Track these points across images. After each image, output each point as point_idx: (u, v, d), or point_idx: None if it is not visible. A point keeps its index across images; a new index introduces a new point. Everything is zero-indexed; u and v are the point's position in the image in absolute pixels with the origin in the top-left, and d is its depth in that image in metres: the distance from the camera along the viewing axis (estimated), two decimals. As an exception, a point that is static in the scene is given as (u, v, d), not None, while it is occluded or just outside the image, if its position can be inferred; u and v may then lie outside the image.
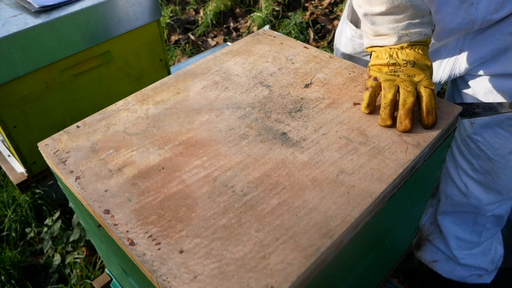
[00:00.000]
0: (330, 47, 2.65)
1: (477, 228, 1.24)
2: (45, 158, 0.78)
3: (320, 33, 2.78)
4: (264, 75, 0.91)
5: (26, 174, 1.49)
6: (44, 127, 1.39)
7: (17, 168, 1.54)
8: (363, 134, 0.75)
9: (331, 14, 2.94)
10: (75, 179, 0.71)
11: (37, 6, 1.27)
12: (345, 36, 1.14)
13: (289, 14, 2.90)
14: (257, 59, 0.96)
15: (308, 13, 2.93)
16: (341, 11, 2.92)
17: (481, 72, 0.95)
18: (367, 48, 0.86)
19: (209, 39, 2.88)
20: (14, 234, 1.70)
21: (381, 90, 0.78)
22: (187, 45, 2.84)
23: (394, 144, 0.73)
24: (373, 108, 0.79)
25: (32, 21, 1.24)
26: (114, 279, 1.16)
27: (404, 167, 0.69)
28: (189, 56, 2.71)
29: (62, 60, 1.33)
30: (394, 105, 0.76)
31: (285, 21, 2.84)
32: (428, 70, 0.79)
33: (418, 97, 0.76)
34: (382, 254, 0.92)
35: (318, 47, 2.67)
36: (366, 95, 0.79)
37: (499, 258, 1.34)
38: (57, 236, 1.64)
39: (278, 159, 0.71)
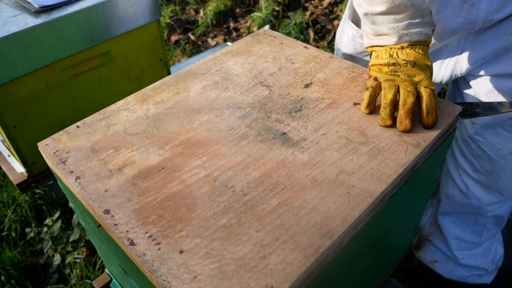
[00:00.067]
0: (330, 47, 2.65)
1: (477, 229, 1.24)
2: (45, 158, 0.78)
3: (320, 33, 2.78)
4: (264, 75, 0.91)
5: (26, 174, 1.49)
6: (44, 127, 1.39)
7: (17, 168, 1.54)
8: (363, 134, 0.75)
9: (331, 14, 2.94)
10: (75, 179, 0.71)
11: (37, 6, 1.27)
12: (346, 36, 1.14)
13: (289, 14, 2.90)
14: (257, 59, 0.96)
15: (308, 13, 2.93)
16: (341, 11, 2.92)
17: (482, 72, 0.95)
18: (367, 48, 0.86)
19: (209, 39, 2.88)
20: (14, 234, 1.70)
21: (381, 90, 0.78)
22: (187, 45, 2.84)
23: (394, 144, 0.73)
24: (373, 108, 0.79)
25: (32, 21, 1.24)
26: (114, 279, 1.16)
27: (404, 167, 0.69)
28: (189, 56, 2.71)
29: (62, 60, 1.33)
30: (394, 105, 0.76)
31: (285, 21, 2.84)
32: (428, 70, 0.79)
33: (418, 97, 0.76)
34: (382, 254, 0.92)
35: (318, 47, 2.67)
36: (366, 95, 0.79)
37: (499, 258, 1.34)
38: (57, 236, 1.64)
39: (278, 159, 0.71)
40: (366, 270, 0.84)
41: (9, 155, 1.60)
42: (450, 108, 0.80)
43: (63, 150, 0.76)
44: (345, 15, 1.15)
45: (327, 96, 0.85)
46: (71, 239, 1.60)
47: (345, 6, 2.92)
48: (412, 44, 0.79)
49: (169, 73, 1.67)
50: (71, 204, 0.96)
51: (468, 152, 1.08)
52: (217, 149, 0.74)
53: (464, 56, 0.95)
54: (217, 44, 2.83)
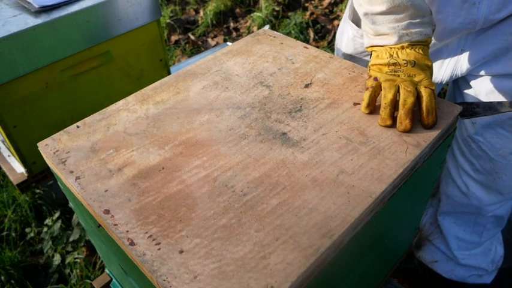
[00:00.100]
0: (330, 47, 2.65)
1: (478, 229, 1.24)
2: (45, 158, 0.78)
3: (320, 33, 2.78)
4: (264, 75, 0.91)
5: (26, 174, 1.49)
6: (44, 127, 1.39)
7: (17, 168, 1.54)
8: (363, 134, 0.75)
9: (331, 14, 2.94)
10: (75, 179, 0.71)
11: (37, 6, 1.27)
12: (346, 36, 1.14)
13: (289, 14, 2.90)
14: (257, 59, 0.96)
15: (308, 13, 2.92)
16: (341, 11, 2.92)
17: (482, 72, 0.95)
18: (367, 47, 0.86)
19: (209, 39, 2.88)
20: (14, 234, 1.70)
21: (381, 90, 0.78)
22: (187, 45, 2.84)
23: (394, 144, 0.73)
24: (373, 108, 0.79)
25: (32, 21, 1.24)
26: (114, 279, 1.16)
27: (404, 167, 0.69)
28: (189, 56, 2.71)
29: (62, 60, 1.33)
30: (394, 105, 0.76)
31: (285, 21, 2.84)
32: (428, 70, 0.79)
33: (418, 97, 0.76)
34: (382, 254, 0.92)
35: (318, 47, 2.67)
36: (366, 95, 0.79)
37: (499, 258, 1.34)
38: (57, 236, 1.64)
39: (278, 159, 0.71)
40: (366, 270, 0.84)
41: (9, 155, 1.60)
42: (450, 108, 0.80)
43: (63, 150, 0.76)
44: (345, 15, 1.15)
45: (327, 96, 0.85)
46: (71, 239, 1.60)
47: (345, 6, 2.92)
48: (412, 44, 0.79)
49: (169, 73, 1.67)
50: (71, 204, 0.96)
51: (468, 152, 1.08)
52: (217, 149, 0.74)
53: (465, 56, 0.95)
54: (217, 44, 2.83)
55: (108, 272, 1.19)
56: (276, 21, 2.88)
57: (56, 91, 1.37)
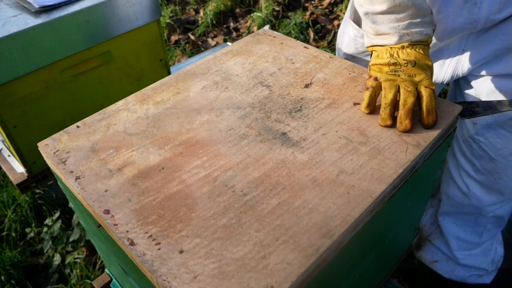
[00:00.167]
0: (330, 47, 2.65)
1: (478, 229, 1.24)
2: (45, 158, 0.78)
3: (320, 33, 2.78)
4: (264, 75, 0.91)
5: (26, 174, 1.49)
6: (44, 127, 1.39)
7: (17, 168, 1.54)
8: (363, 134, 0.75)
9: (331, 14, 2.94)
10: (75, 179, 0.71)
11: (37, 6, 1.27)
12: (347, 36, 1.14)
13: (289, 14, 2.90)
14: (257, 59, 0.96)
15: (308, 13, 2.92)
16: (341, 11, 2.92)
17: (483, 72, 0.95)
18: (367, 47, 0.86)
19: (209, 39, 2.88)
20: (14, 234, 1.70)
21: (381, 90, 0.78)
22: (187, 45, 2.84)
23: (394, 144, 0.73)
24: (373, 108, 0.79)
25: (32, 21, 1.24)
26: (114, 279, 1.16)
27: (404, 167, 0.69)
28: (189, 56, 2.71)
29: (62, 60, 1.33)
30: (395, 105, 0.76)
31: (285, 21, 2.84)
32: (429, 70, 0.79)
33: (418, 97, 0.76)
34: (382, 254, 0.92)
35: (318, 47, 2.67)
36: (366, 95, 0.79)
37: (499, 258, 1.34)
38: (57, 236, 1.64)
39: (278, 159, 0.71)
40: (366, 270, 0.84)
41: (9, 155, 1.60)
42: (450, 108, 0.80)
43: (63, 150, 0.76)
44: (347, 15, 1.15)
45: (327, 96, 0.85)
46: (71, 239, 1.60)
47: (345, 7, 2.92)
48: (413, 44, 0.79)
49: (169, 73, 1.67)
50: (71, 204, 0.96)
51: (469, 152, 1.08)
52: (217, 149, 0.74)
53: (466, 56, 0.95)
54: (217, 44, 2.83)
55: (108, 272, 1.19)
56: (276, 21, 2.88)
57: (56, 91, 1.37)
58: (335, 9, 2.98)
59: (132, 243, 0.60)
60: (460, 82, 1.06)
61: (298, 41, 1.02)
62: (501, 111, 0.84)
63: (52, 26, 1.26)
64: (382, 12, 0.79)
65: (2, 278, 1.53)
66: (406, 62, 0.78)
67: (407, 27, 0.79)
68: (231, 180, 0.68)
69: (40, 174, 1.51)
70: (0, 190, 1.84)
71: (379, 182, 0.66)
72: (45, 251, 1.61)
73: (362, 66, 0.94)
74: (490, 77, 0.95)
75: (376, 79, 0.79)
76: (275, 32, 1.06)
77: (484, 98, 0.98)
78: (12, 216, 1.72)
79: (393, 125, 0.76)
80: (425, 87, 0.76)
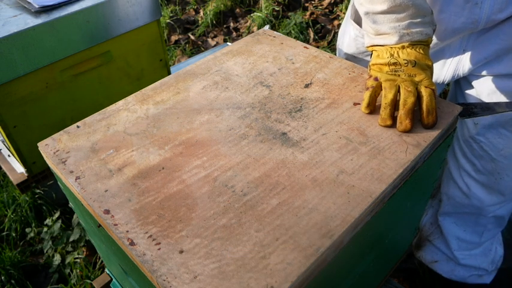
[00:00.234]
0: (330, 47, 2.65)
1: (478, 229, 1.24)
2: (45, 158, 0.78)
3: (320, 33, 2.78)
4: (264, 75, 0.91)
5: (26, 174, 1.49)
6: (44, 127, 1.39)
7: (17, 168, 1.54)
8: (363, 134, 0.75)
9: (331, 14, 2.94)
10: (75, 179, 0.71)
11: (37, 6, 1.27)
12: (348, 36, 1.14)
13: (289, 14, 2.90)
14: (257, 59, 0.96)
15: (308, 13, 2.92)
16: (341, 11, 2.92)
17: (484, 72, 0.95)
18: (368, 47, 0.86)
19: (209, 39, 2.88)
20: (14, 234, 1.70)
21: (382, 90, 0.78)
22: (187, 45, 2.84)
23: (394, 144, 0.73)
24: (373, 108, 0.79)
25: (32, 21, 1.24)
26: (114, 279, 1.16)
27: (404, 167, 0.69)
28: (189, 56, 2.71)
29: (62, 60, 1.33)
30: (395, 105, 0.76)
31: (285, 21, 2.84)
32: (429, 70, 0.79)
33: (418, 97, 0.76)
34: (382, 254, 0.92)
35: (318, 47, 2.67)
36: (366, 95, 0.79)
37: (499, 258, 1.34)
38: (57, 236, 1.64)
39: (278, 159, 0.71)
40: (366, 270, 0.84)
41: (9, 155, 1.60)
42: (450, 108, 0.80)
43: (63, 150, 0.76)
44: (347, 15, 1.15)
45: (327, 96, 0.85)
46: (71, 239, 1.60)
47: (345, 6, 2.92)
48: (413, 44, 0.79)
49: (169, 73, 1.67)
50: (71, 204, 0.96)
51: (470, 152, 1.08)
52: (217, 149, 0.74)
53: (467, 56, 0.95)
54: (217, 44, 2.83)
55: (108, 272, 1.19)
56: (276, 21, 2.88)
57: (56, 91, 1.37)
58: (335, 9, 2.98)
59: (132, 243, 0.60)
60: (461, 82, 1.06)
61: (298, 41, 1.02)
62: (498, 112, 0.85)
63: (52, 26, 1.26)
64: (382, 12, 0.79)
65: (2, 278, 1.53)
66: (406, 62, 0.78)
67: (408, 27, 0.79)
68: (231, 180, 0.68)
69: (40, 174, 1.51)
70: (0, 190, 1.84)
71: (379, 182, 0.66)
72: (45, 251, 1.61)
73: (363, 66, 0.94)
74: (491, 77, 0.95)
75: (376, 79, 0.79)
76: (275, 32, 1.06)
77: (484, 99, 0.98)
78: (12, 216, 1.72)
79: (393, 125, 0.76)
80: (426, 87, 0.76)
